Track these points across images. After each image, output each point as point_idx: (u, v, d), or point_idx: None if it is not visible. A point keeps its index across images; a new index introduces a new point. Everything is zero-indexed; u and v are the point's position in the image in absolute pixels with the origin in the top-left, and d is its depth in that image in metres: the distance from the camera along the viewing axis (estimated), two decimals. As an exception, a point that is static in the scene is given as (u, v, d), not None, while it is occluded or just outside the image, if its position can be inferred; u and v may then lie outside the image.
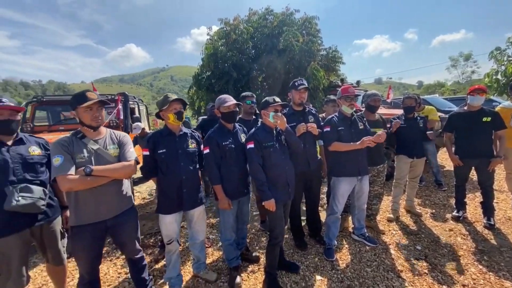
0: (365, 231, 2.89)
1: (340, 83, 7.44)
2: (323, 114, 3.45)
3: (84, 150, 1.62)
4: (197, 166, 2.16)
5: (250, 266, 2.53)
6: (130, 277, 2.27)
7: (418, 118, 3.27)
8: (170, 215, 2.01)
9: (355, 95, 2.54)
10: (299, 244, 2.81)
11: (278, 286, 2.17)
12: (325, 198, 3.58)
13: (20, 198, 1.58)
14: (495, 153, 2.98)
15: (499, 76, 7.25)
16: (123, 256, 2.76)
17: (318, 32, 8.20)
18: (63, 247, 1.94)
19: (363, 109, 3.11)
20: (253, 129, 2.18)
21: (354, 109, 2.60)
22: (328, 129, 2.54)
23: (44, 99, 4.75)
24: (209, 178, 2.20)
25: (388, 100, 6.72)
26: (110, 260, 2.77)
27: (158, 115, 2.07)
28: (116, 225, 1.74)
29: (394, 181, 3.45)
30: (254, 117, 2.98)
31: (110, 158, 1.69)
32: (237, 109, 2.29)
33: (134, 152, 1.81)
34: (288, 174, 2.15)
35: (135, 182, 4.18)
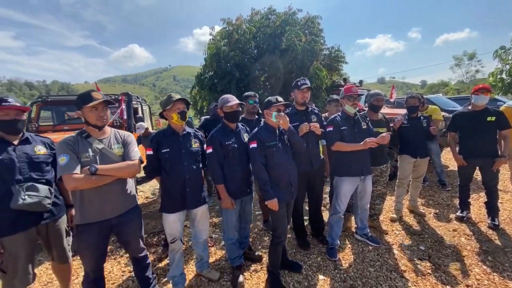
0: (368, 231, 2.88)
1: (342, 83, 7.42)
2: (326, 114, 3.44)
3: (89, 150, 1.64)
4: (200, 165, 2.17)
5: (252, 265, 2.54)
6: (134, 275, 2.29)
7: (422, 117, 3.25)
8: (174, 214, 2.02)
9: (358, 94, 2.53)
10: (302, 244, 2.81)
11: (280, 286, 2.17)
12: (328, 198, 3.58)
13: (26, 196, 1.60)
14: (499, 152, 2.96)
15: (503, 75, 7.19)
16: (127, 255, 2.79)
17: (320, 31, 8.19)
18: (68, 245, 1.96)
19: (366, 108, 3.10)
20: (256, 129, 2.19)
21: (357, 108, 2.59)
22: (331, 128, 2.54)
23: (49, 99, 4.80)
24: (212, 177, 2.21)
25: (391, 100, 6.69)
26: (114, 259, 2.79)
27: (161, 115, 2.08)
28: (120, 224, 1.76)
29: (397, 181, 3.44)
30: (256, 116, 2.99)
31: (115, 158, 1.71)
32: (240, 109, 2.29)
33: (138, 152, 1.83)
34: (291, 174, 2.16)
35: (138, 182, 4.22)
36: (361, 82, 7.95)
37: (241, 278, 2.27)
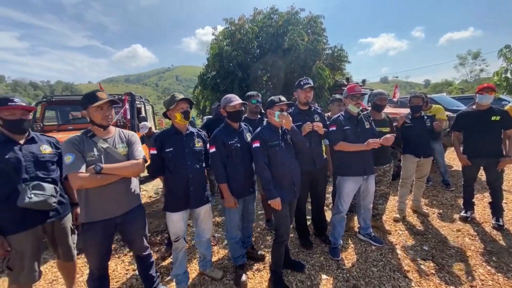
0: (371, 230, 2.88)
1: (345, 82, 7.39)
2: (329, 113, 3.44)
3: (94, 149, 1.66)
4: (204, 164, 2.18)
5: (255, 264, 2.55)
6: (137, 273, 2.31)
7: (425, 117, 3.23)
8: (177, 213, 2.03)
9: (361, 94, 2.53)
10: (305, 243, 2.81)
11: (283, 285, 2.18)
12: (331, 198, 3.57)
13: (32, 195, 1.62)
14: (504, 152, 2.93)
15: (508, 75, 7.13)
16: (131, 253, 2.81)
17: (323, 31, 8.17)
18: (73, 243, 1.98)
19: (369, 108, 3.09)
20: (258, 128, 2.19)
21: (360, 108, 2.59)
22: (334, 128, 2.54)
23: (54, 99, 4.85)
24: (215, 176, 2.21)
25: (395, 99, 6.65)
26: (118, 257, 2.82)
27: (165, 115, 2.10)
28: (124, 222, 1.78)
29: (400, 180, 3.43)
30: (259, 116, 2.99)
31: (119, 157, 1.73)
32: (243, 109, 2.30)
33: (142, 151, 1.85)
34: (294, 173, 2.16)
35: (142, 181, 4.24)
36: (364, 81, 7.92)
37: (244, 277, 2.28)
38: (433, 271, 2.34)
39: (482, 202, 3.69)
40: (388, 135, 2.42)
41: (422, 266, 2.41)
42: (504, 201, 3.09)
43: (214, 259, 2.64)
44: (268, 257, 2.60)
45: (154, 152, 2.01)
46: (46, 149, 1.85)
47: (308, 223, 2.99)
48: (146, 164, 1.96)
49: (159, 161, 2.03)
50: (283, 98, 2.13)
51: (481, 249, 2.63)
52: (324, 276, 2.34)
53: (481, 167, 3.11)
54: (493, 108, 2.96)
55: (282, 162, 2.11)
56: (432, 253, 2.60)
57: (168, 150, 1.99)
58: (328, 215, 3.16)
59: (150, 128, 4.37)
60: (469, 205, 3.26)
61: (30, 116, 1.84)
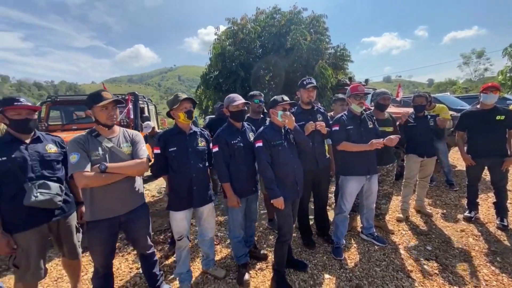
0: (374, 230, 2.87)
1: (348, 82, 7.37)
2: (331, 113, 3.43)
3: (99, 148, 1.68)
4: (207, 164, 2.19)
5: (258, 263, 2.56)
6: (141, 272, 2.34)
7: (429, 116, 3.22)
8: (181, 212, 2.05)
9: (364, 93, 2.52)
10: (307, 243, 2.81)
11: (286, 284, 2.18)
12: (333, 198, 3.57)
13: (38, 194, 1.64)
14: (508, 152, 2.91)
15: (513, 74, 7.05)
16: (135, 252, 2.83)
17: (326, 30, 8.13)
18: (78, 241, 2.00)
19: (372, 107, 3.08)
20: (261, 128, 2.20)
21: (364, 107, 2.58)
22: (337, 128, 2.53)
23: (58, 99, 4.90)
24: (218, 176, 2.23)
25: (398, 99, 6.62)
26: (122, 256, 2.84)
27: (168, 114, 2.11)
28: (129, 221, 1.80)
29: (403, 180, 3.41)
30: (262, 116, 3.00)
31: (124, 156, 1.75)
32: (246, 108, 2.31)
33: (146, 150, 1.87)
34: (297, 173, 2.16)
35: (145, 180, 4.28)
36: (366, 81, 7.88)
37: (246, 276, 2.29)
38: (436, 271, 2.33)
39: (486, 202, 3.66)
40: (392, 136, 2.40)
41: (425, 266, 2.40)
42: (508, 201, 3.07)
43: (217, 258, 2.65)
44: (270, 256, 2.61)
45: (158, 151, 2.03)
46: (52, 148, 1.87)
47: (311, 222, 2.99)
48: (150, 164, 1.97)
49: (163, 161, 2.05)
50: (286, 98, 2.13)
51: (485, 249, 2.62)
52: (326, 276, 2.34)
53: (486, 167, 3.09)
54: (497, 108, 2.94)
55: (284, 162, 2.11)
56: (436, 253, 2.59)
57: (172, 149, 2.00)
58: (331, 214, 3.15)
59: (153, 128, 4.40)
60: (473, 205, 3.24)
61: (36, 116, 1.86)
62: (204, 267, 2.42)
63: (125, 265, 2.67)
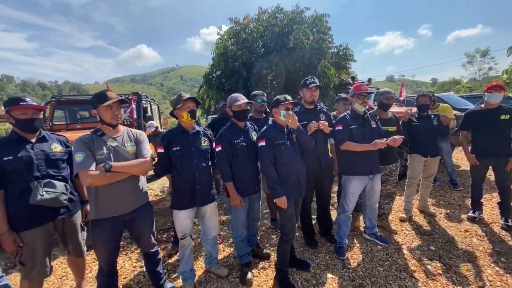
0: (377, 230, 2.86)
1: (351, 81, 7.35)
2: (334, 113, 3.42)
3: (104, 147, 1.70)
4: (210, 163, 2.20)
5: (261, 262, 2.56)
6: (144, 270, 2.35)
7: (432, 116, 3.20)
8: (184, 210, 2.06)
9: (368, 93, 2.51)
10: (310, 242, 2.81)
11: (289, 283, 2.18)
12: (336, 197, 3.56)
13: (44, 192, 1.66)
14: (513, 152, 2.89)
15: (518, 73, 6.98)
16: (138, 250, 2.86)
17: (328, 29, 8.12)
18: (83, 239, 2.03)
19: (375, 107, 3.07)
20: (264, 127, 2.20)
21: (367, 107, 2.57)
22: (340, 127, 2.53)
23: (62, 99, 4.94)
24: (221, 175, 2.23)
25: (401, 98, 6.58)
26: (126, 254, 2.86)
27: (172, 114, 2.12)
28: (133, 220, 1.82)
29: (407, 180, 3.40)
30: (264, 115, 3.00)
31: (128, 155, 1.76)
32: (249, 108, 2.31)
33: (150, 149, 1.89)
34: (300, 172, 2.16)
35: (148, 180, 4.30)
36: (369, 80, 7.85)
37: (249, 275, 2.29)
38: (440, 272, 2.32)
39: (490, 202, 3.64)
40: (396, 136, 2.39)
41: (428, 266, 2.39)
42: (513, 201, 3.04)
43: (219, 257, 2.65)
44: (273, 256, 2.62)
45: (161, 150, 2.04)
46: (57, 148, 1.88)
47: (313, 222, 2.99)
48: (153, 163, 1.99)
49: (166, 160, 2.06)
50: (288, 97, 2.13)
51: (489, 249, 2.60)
52: (329, 275, 2.34)
53: (490, 167, 3.07)
54: (502, 107, 2.92)
55: (287, 161, 2.11)
56: (439, 253, 2.58)
57: (175, 148, 2.01)
58: (333, 214, 3.15)
59: (157, 127, 4.42)
60: (477, 205, 3.22)
61: (41, 115, 1.88)
62: (207, 265, 2.43)
63: (129, 264, 2.69)
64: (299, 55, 7.13)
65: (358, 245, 2.81)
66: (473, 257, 2.50)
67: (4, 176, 1.66)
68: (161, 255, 2.18)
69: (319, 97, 2.64)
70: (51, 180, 1.73)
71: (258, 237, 2.88)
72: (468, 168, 3.27)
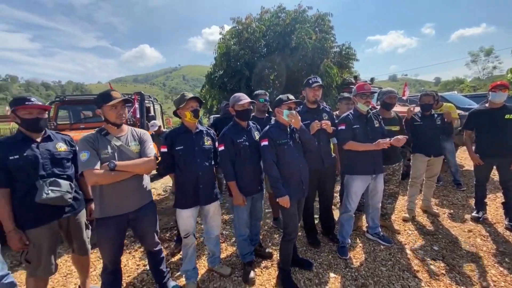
0: (380, 230, 2.85)
1: (353, 81, 7.32)
2: (337, 112, 3.42)
3: (108, 147, 1.71)
4: (212, 162, 2.21)
5: (263, 262, 2.57)
6: (148, 268, 2.37)
7: (435, 115, 3.18)
8: (187, 209, 2.07)
9: (371, 92, 2.51)
10: (312, 242, 2.82)
11: (291, 282, 2.19)
12: (338, 197, 3.56)
13: (49, 191, 1.68)
14: (518, 151, 2.86)
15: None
16: (141, 249, 2.88)
17: (331, 29, 8.08)
18: (88, 238, 2.04)
19: (378, 106, 3.06)
20: (267, 127, 2.21)
21: (370, 106, 2.57)
22: (343, 127, 2.52)
23: (66, 99, 4.98)
24: (224, 174, 2.24)
25: (404, 98, 6.54)
26: (129, 253, 2.88)
27: (175, 113, 2.14)
28: (137, 219, 1.83)
29: (410, 180, 3.39)
30: (267, 115, 3.01)
31: (132, 154, 1.78)
32: (251, 107, 2.32)
33: (153, 149, 1.90)
34: (302, 172, 2.16)
35: (151, 179, 4.32)
36: (372, 79, 7.83)
37: (252, 274, 2.30)
38: (443, 272, 2.31)
39: (494, 202, 3.61)
40: (400, 136, 2.37)
41: (432, 266, 2.38)
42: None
43: (222, 256, 2.66)
44: (275, 255, 2.62)
45: (165, 150, 2.05)
46: (62, 147, 1.90)
47: (316, 222, 2.99)
48: (156, 162, 2.00)
49: (170, 159, 2.07)
50: (291, 97, 2.14)
51: (493, 250, 2.58)
52: (332, 275, 2.34)
53: (494, 167, 3.05)
54: (506, 106, 2.89)
55: (290, 161, 2.11)
56: (443, 254, 2.57)
57: (178, 148, 2.03)
58: (336, 214, 3.15)
59: (160, 127, 4.44)
60: (481, 205, 3.20)
61: (46, 115, 1.90)
62: (210, 264, 2.44)
63: (132, 262, 2.71)
64: (302, 55, 7.10)
65: (360, 244, 2.80)
66: (476, 258, 2.48)
67: (10, 175, 1.68)
68: (164, 253, 2.20)
69: (321, 96, 2.63)
70: (56, 179, 1.75)
71: (261, 236, 2.88)
72: (472, 168, 3.25)
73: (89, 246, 2.06)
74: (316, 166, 2.52)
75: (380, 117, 2.71)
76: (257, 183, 2.35)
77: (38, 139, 1.82)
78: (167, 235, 3.28)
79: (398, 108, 4.49)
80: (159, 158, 2.09)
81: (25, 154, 1.71)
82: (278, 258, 2.40)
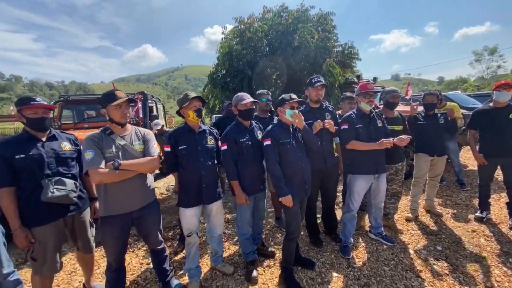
0: (382, 230, 2.85)
1: (356, 80, 7.30)
2: (339, 111, 3.41)
3: (113, 146, 1.73)
4: (215, 162, 2.22)
5: (266, 261, 2.57)
6: (151, 267, 2.39)
7: (439, 114, 3.16)
8: (191, 208, 2.08)
9: (374, 91, 2.50)
10: (315, 241, 2.82)
11: (294, 281, 2.19)
12: (341, 197, 3.55)
13: (55, 190, 1.70)
14: (523, 151, 2.84)
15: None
16: (145, 248, 2.90)
17: (333, 28, 8.07)
18: (92, 236, 2.06)
19: (381, 106, 3.05)
20: (269, 126, 2.21)
21: (373, 106, 2.56)
22: (346, 126, 2.52)
23: (70, 99, 5.02)
24: (227, 174, 2.25)
25: (407, 97, 6.52)
26: (133, 251, 2.90)
27: (178, 113, 2.15)
28: (141, 217, 1.85)
29: (413, 180, 3.37)
30: (269, 114, 3.01)
31: (136, 153, 1.80)
32: (254, 107, 2.32)
33: (157, 148, 1.91)
34: (305, 171, 2.16)
35: (154, 178, 4.35)
36: (375, 79, 7.79)
37: (254, 273, 2.31)
38: (446, 272, 2.30)
39: (498, 202, 3.59)
40: (403, 136, 2.37)
41: (435, 266, 2.37)
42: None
43: (225, 255, 2.68)
44: (278, 254, 2.63)
45: (168, 149, 2.07)
46: (66, 146, 1.92)
47: (318, 221, 2.99)
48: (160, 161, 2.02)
49: (173, 158, 2.09)
50: (294, 96, 2.13)
51: (497, 250, 2.57)
52: (334, 274, 2.34)
53: (498, 167, 3.02)
54: (511, 106, 2.87)
55: (293, 160, 2.11)
56: (446, 254, 2.56)
57: (182, 147, 2.04)
58: (338, 213, 3.14)
59: (162, 126, 4.46)
60: (485, 205, 3.18)
61: (51, 115, 1.92)
62: (213, 263, 2.45)
63: (136, 261, 2.73)
64: (304, 54, 7.11)
65: (363, 244, 2.80)
66: (480, 258, 2.47)
67: (16, 174, 1.70)
68: (167, 252, 2.21)
69: (324, 96, 2.63)
70: (61, 178, 1.77)
71: (263, 236, 2.89)
72: (476, 168, 3.23)
73: (93, 244, 2.08)
74: (318, 166, 2.52)
75: (383, 116, 2.70)
76: (259, 182, 2.35)
77: (44, 139, 1.84)
78: (170, 234, 3.30)
79: (401, 108, 4.48)
80: (162, 158, 2.11)
81: (30, 153, 1.73)
82: (281, 257, 2.40)
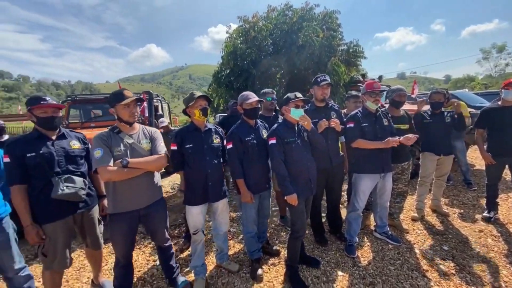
0: (388, 229, 2.84)
1: (361, 79, 7.24)
2: (344, 110, 3.40)
3: (121, 144, 1.76)
4: (221, 160, 2.24)
5: (271, 259, 2.59)
6: (158, 264, 2.43)
7: (445, 113, 3.13)
8: (197, 206, 2.10)
9: (380, 90, 2.49)
10: (320, 240, 2.82)
11: (299, 279, 2.20)
12: (346, 196, 3.54)
13: (64, 187, 1.74)
14: (532, 151, 2.80)
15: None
16: (151, 245, 2.94)
17: (338, 26, 8.00)
18: (100, 233, 2.10)
19: (387, 105, 3.03)
20: (275, 125, 2.22)
21: (379, 104, 2.55)
22: (352, 125, 2.51)
23: (78, 98, 5.10)
24: (232, 172, 2.27)
25: (413, 96, 6.45)
26: (139, 248, 2.95)
27: (185, 112, 2.17)
28: (148, 215, 1.88)
29: (419, 179, 3.34)
30: (274, 113, 3.01)
31: (143, 152, 1.83)
32: (259, 106, 2.33)
33: (164, 146, 1.94)
34: (310, 170, 2.17)
35: (159, 177, 4.41)
36: (380, 77, 7.72)
37: (260, 271, 2.33)
38: (453, 271, 2.28)
39: (506, 202, 3.54)
40: (410, 135, 2.35)
41: (441, 266, 2.36)
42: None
43: (230, 253, 2.70)
44: (283, 252, 2.64)
45: (175, 148, 2.09)
46: (75, 144, 1.96)
47: (323, 220, 2.99)
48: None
49: (179, 157, 2.11)
50: (299, 95, 2.14)
51: (505, 250, 2.54)
52: (340, 273, 2.34)
53: (506, 166, 2.98)
54: (520, 104, 2.83)
55: (298, 159, 2.12)
56: (453, 253, 2.54)
57: (188, 146, 2.06)
58: (343, 212, 3.14)
59: (168, 124, 4.50)
60: (492, 205, 3.14)
61: (61, 114, 1.96)
62: (218, 261, 2.48)
63: (143, 257, 2.77)
64: (309, 53, 7.06)
65: (368, 243, 2.79)
66: (487, 258, 2.45)
67: (27, 172, 1.74)
68: (173, 249, 2.24)
69: (329, 94, 2.62)
70: (71, 176, 1.81)
71: (268, 234, 2.90)
72: (483, 167, 3.19)
73: (102, 241, 2.12)
74: (324, 165, 2.52)
75: (389, 115, 2.68)
76: (264, 181, 2.36)
77: (53, 137, 1.88)
78: (176, 231, 3.34)
79: (407, 106, 4.43)
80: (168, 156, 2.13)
81: (41, 151, 1.77)
82: (286, 255, 2.41)
